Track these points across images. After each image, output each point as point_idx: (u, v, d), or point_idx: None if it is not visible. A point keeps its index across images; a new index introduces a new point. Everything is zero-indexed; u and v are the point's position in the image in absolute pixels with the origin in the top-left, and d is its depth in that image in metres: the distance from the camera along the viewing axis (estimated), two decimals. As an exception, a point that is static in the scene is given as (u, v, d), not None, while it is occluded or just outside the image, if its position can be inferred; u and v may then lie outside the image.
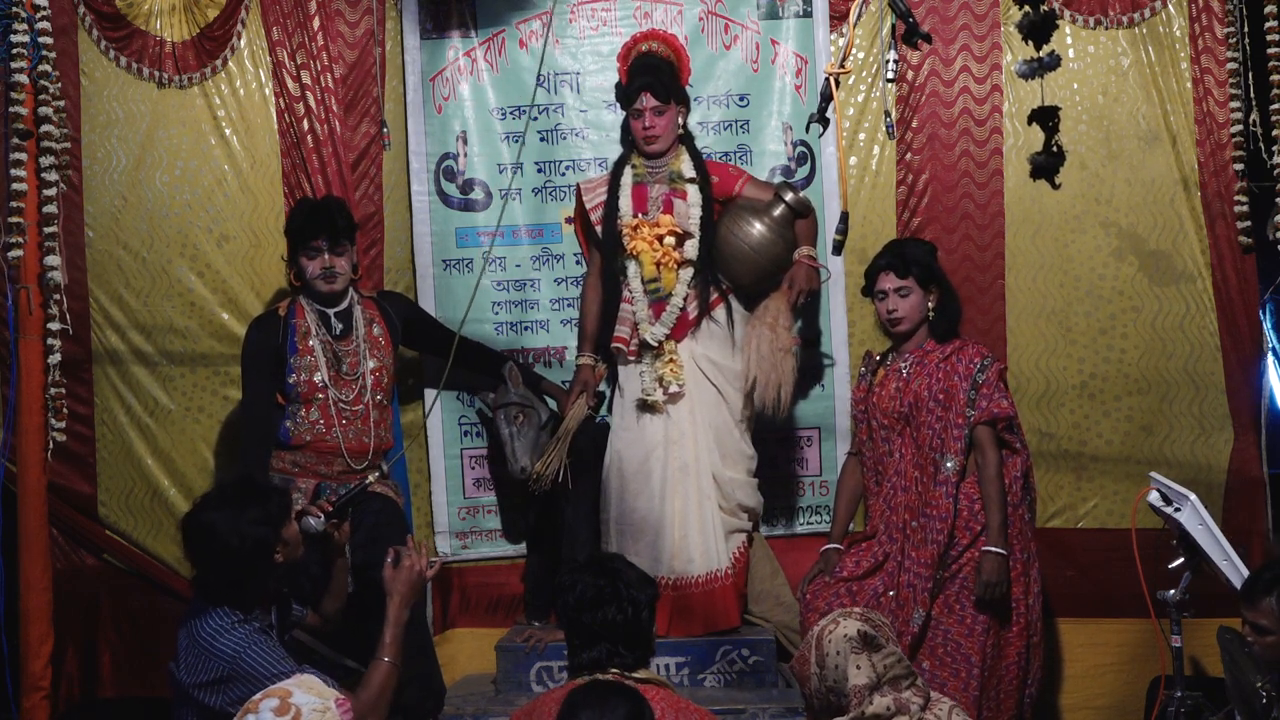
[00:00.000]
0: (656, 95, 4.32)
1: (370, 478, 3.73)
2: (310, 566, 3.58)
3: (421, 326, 4.44)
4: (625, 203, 4.37)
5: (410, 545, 3.28)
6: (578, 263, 4.66)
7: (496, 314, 4.66)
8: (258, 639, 3.00)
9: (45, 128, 4.26)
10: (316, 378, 4.10)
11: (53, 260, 4.28)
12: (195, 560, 3.13)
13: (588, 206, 4.47)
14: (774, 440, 4.63)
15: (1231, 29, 4.50)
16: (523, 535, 4.62)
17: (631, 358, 4.35)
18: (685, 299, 4.31)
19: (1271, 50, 4.39)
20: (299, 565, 3.32)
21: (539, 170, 4.69)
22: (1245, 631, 3.20)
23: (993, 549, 3.85)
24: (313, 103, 4.59)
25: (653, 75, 4.34)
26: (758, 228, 4.27)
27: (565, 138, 4.69)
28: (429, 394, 4.64)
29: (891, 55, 3.43)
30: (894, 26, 3.44)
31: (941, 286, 4.09)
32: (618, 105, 4.59)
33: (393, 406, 4.38)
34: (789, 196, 4.30)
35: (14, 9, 4.16)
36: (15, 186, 4.18)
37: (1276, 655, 3.14)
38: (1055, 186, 3.54)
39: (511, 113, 4.64)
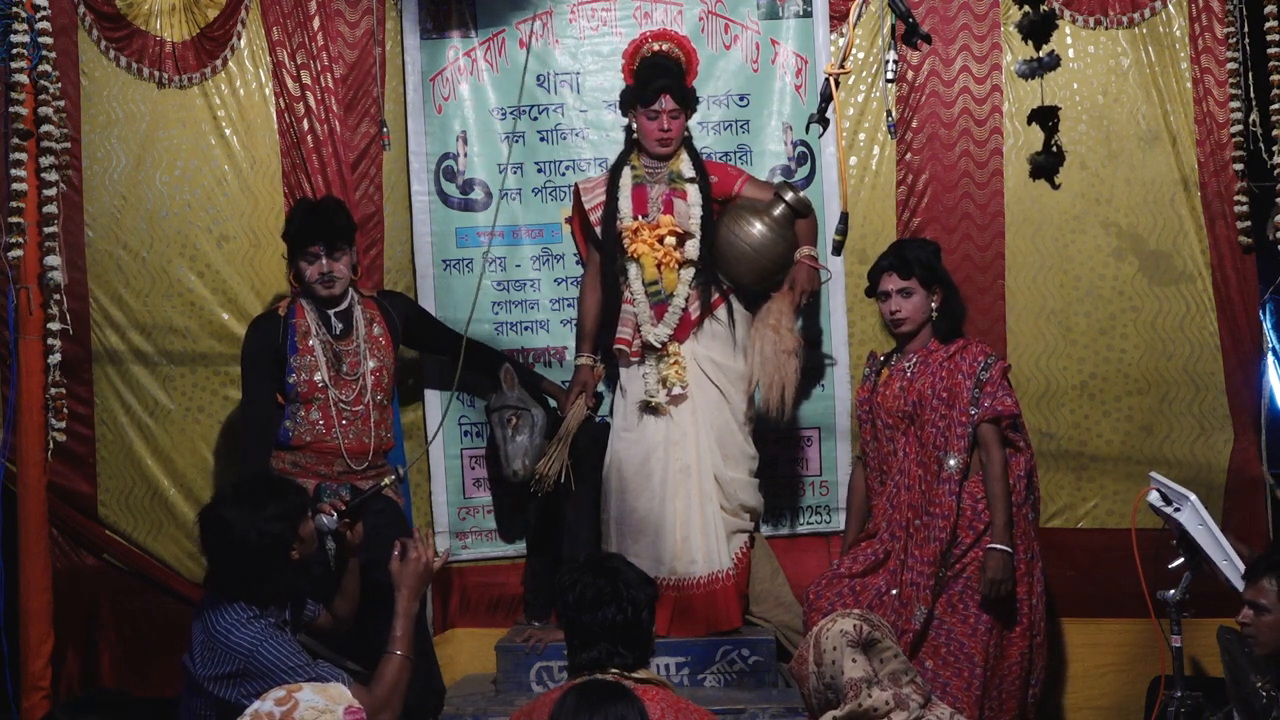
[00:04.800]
0: (675, 99, 4.31)
1: (386, 480, 3.72)
2: (313, 567, 3.57)
3: (422, 325, 4.44)
4: (625, 204, 4.36)
5: (416, 537, 3.28)
6: (578, 263, 4.66)
7: (496, 314, 4.66)
8: (274, 634, 3.01)
9: (45, 128, 4.27)
10: (316, 378, 4.10)
11: (53, 260, 4.28)
12: (211, 555, 3.13)
13: (586, 207, 4.46)
14: (774, 440, 4.63)
15: (1231, 29, 4.50)
16: (522, 535, 4.62)
17: (634, 359, 4.35)
18: (687, 299, 4.31)
19: (1271, 50, 4.39)
20: (303, 565, 3.32)
21: (539, 170, 4.69)
22: (1243, 615, 3.21)
23: (998, 546, 3.85)
24: (313, 103, 4.59)
25: (672, 78, 4.32)
26: (758, 227, 4.27)
27: (565, 138, 4.69)
28: (430, 394, 4.64)
29: (891, 55, 3.42)
30: (894, 26, 3.44)
31: (945, 286, 4.10)
32: (617, 105, 4.56)
33: (393, 406, 4.38)
34: (789, 196, 4.30)
35: (14, 9, 4.16)
36: (15, 186, 4.19)
37: (1273, 636, 3.16)
38: (1055, 186, 3.54)
39: (511, 113, 4.65)
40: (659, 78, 4.31)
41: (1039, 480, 4.16)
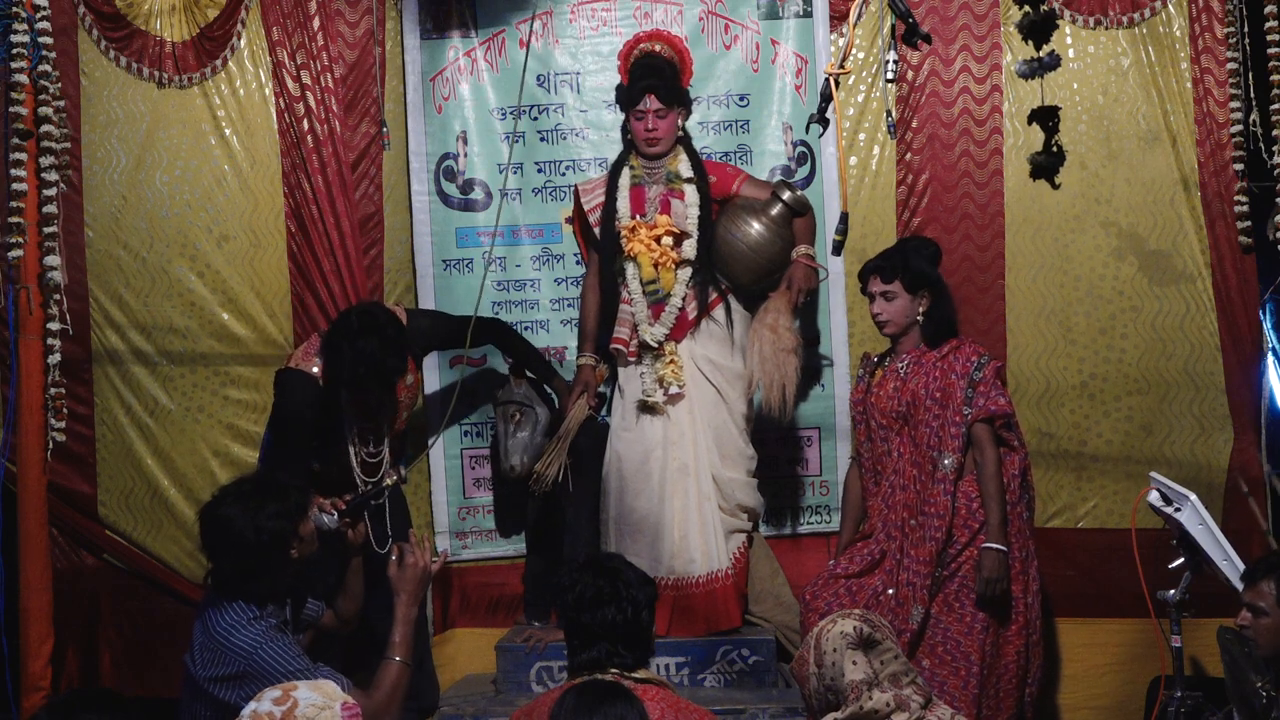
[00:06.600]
0: (660, 98, 4.31)
1: (387, 481, 3.73)
2: (326, 561, 3.58)
3: (447, 343, 4.38)
4: (623, 204, 4.37)
5: (413, 541, 3.28)
6: (578, 263, 4.66)
7: (497, 313, 4.65)
8: (274, 636, 3.01)
9: (45, 128, 4.27)
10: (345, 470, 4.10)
11: (53, 260, 4.29)
12: (211, 553, 3.13)
13: (585, 208, 4.46)
14: (774, 440, 4.63)
15: (1231, 29, 4.50)
16: (523, 535, 4.62)
17: (632, 359, 4.35)
18: (684, 299, 4.31)
19: (1271, 50, 4.39)
20: (316, 565, 3.32)
21: (539, 170, 4.69)
22: (1242, 617, 3.20)
23: (993, 545, 3.85)
24: (313, 103, 4.59)
25: (657, 77, 4.33)
26: (755, 227, 4.27)
27: (565, 138, 4.69)
28: (430, 394, 4.64)
29: (891, 55, 3.42)
30: (894, 26, 3.44)
31: (935, 291, 4.08)
32: (617, 105, 4.58)
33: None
34: (786, 195, 4.30)
35: (14, 9, 4.17)
36: (15, 186, 4.20)
37: (1271, 640, 3.16)
38: (1055, 186, 3.54)
39: (511, 113, 4.65)
40: (644, 78, 4.32)
41: (1035, 479, 4.16)
